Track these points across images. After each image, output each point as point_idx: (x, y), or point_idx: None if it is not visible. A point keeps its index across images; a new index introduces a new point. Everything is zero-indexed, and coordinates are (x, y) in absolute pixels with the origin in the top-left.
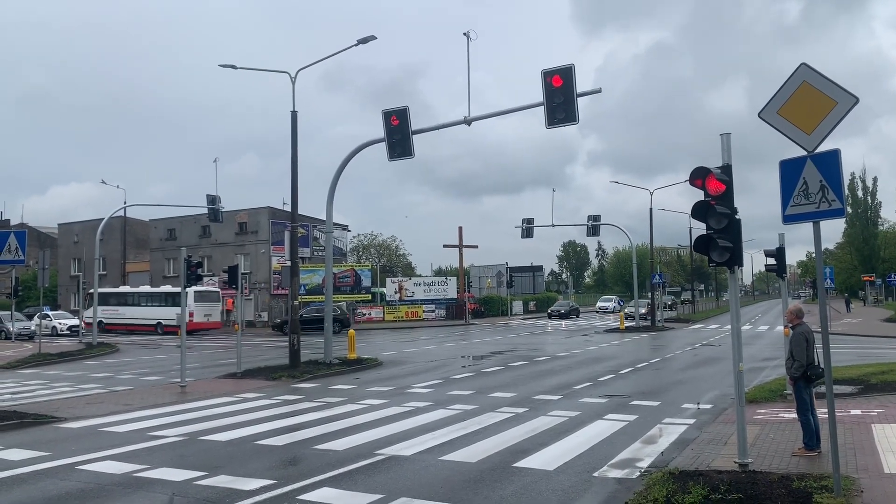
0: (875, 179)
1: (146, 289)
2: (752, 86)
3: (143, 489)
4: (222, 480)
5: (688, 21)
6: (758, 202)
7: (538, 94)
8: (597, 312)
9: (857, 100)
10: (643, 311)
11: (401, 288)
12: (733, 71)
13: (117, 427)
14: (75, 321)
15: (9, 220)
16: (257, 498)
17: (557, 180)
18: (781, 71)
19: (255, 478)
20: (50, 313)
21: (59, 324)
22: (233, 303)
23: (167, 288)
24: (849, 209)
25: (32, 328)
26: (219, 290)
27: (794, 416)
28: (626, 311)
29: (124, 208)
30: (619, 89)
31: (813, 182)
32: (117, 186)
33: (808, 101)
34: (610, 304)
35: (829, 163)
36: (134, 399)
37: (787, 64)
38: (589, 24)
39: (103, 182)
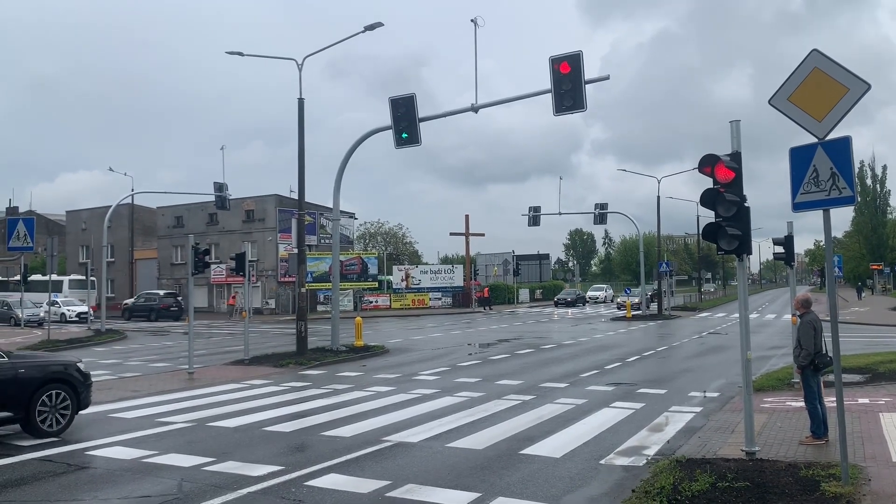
0: (884, 168)
1: (37, 277)
2: (756, 74)
3: (152, 475)
4: (230, 466)
5: (692, 9)
6: (764, 190)
7: (543, 83)
8: (586, 302)
9: (868, 86)
10: (636, 300)
11: (407, 276)
12: (738, 59)
13: (126, 413)
14: (84, 308)
15: (17, 208)
16: (265, 484)
17: (563, 169)
18: (786, 59)
19: (263, 464)
20: (59, 300)
21: (68, 310)
22: (235, 299)
23: (54, 277)
24: (857, 197)
25: (41, 315)
26: (94, 279)
27: (802, 404)
28: (631, 299)
29: (132, 195)
30: (624, 78)
31: (823, 169)
32: (125, 174)
33: (820, 88)
34: (601, 294)
35: (840, 150)
36: (142, 385)
37: (791, 52)
38: (594, 14)
39: (111, 169)
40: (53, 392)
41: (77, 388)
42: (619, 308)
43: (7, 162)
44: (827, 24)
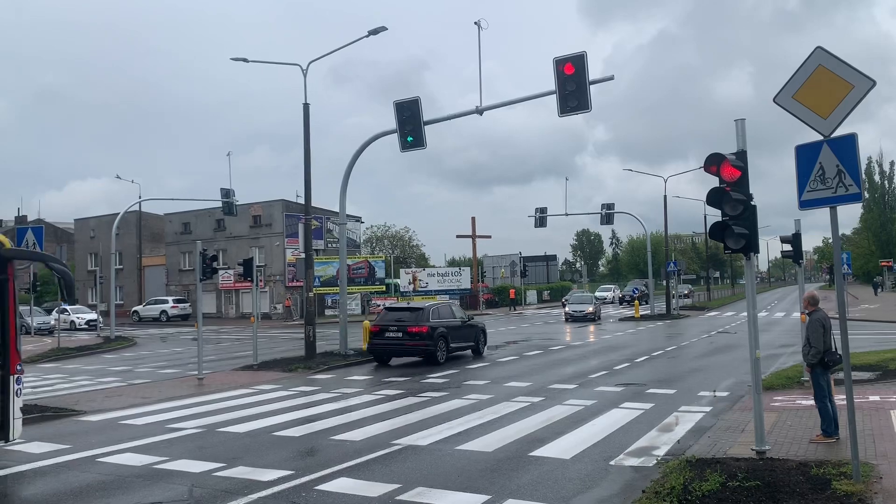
0: (892, 164)
1: None
2: (756, 72)
3: (163, 481)
4: (240, 471)
5: (691, 10)
6: (769, 188)
7: (544, 86)
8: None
9: (873, 83)
10: (585, 308)
11: (415, 279)
12: (738, 58)
13: (136, 420)
14: (93, 315)
15: (26, 216)
16: (275, 488)
17: (567, 170)
18: (785, 57)
19: (273, 469)
20: (68, 308)
21: (77, 318)
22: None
23: None
24: (866, 194)
25: (51, 323)
26: None
27: (812, 402)
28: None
29: (139, 203)
30: (625, 79)
31: (829, 167)
32: (132, 181)
33: (824, 85)
34: (608, 294)
35: (846, 147)
36: (152, 392)
37: (790, 50)
38: (594, 17)
39: (118, 177)
40: (482, 336)
41: (486, 335)
42: (568, 319)
43: (15, 171)
44: (824, 23)
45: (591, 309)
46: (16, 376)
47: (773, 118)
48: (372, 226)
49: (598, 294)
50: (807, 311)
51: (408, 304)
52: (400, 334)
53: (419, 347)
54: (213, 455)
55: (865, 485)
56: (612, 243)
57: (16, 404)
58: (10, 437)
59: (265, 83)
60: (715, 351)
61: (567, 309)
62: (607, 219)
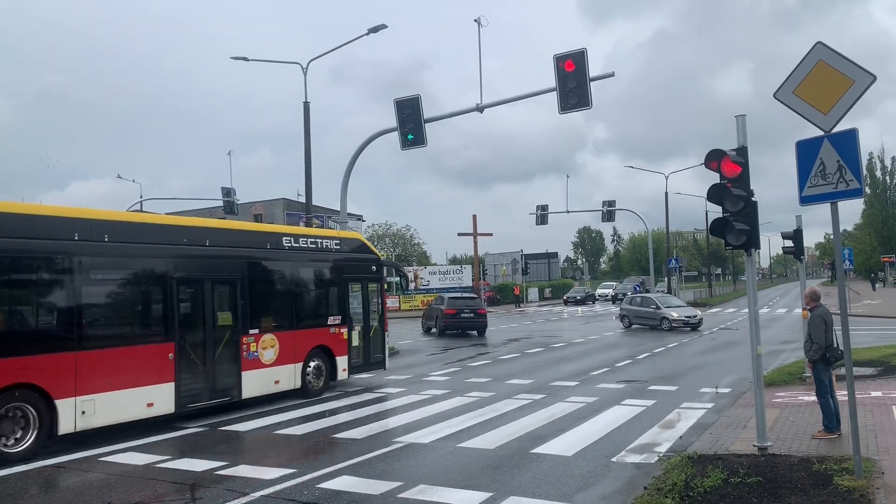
0: (893, 159)
1: None
2: (756, 69)
3: (166, 479)
4: (243, 470)
5: (689, 8)
6: (770, 184)
7: (543, 84)
8: (597, 299)
9: (874, 78)
10: (622, 295)
11: (416, 277)
12: (737, 55)
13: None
14: None
15: None
16: (278, 487)
17: (568, 167)
18: (783, 54)
19: (276, 467)
20: None
21: None
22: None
23: None
24: (867, 189)
25: None
26: None
27: (814, 398)
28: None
29: (140, 203)
30: (625, 76)
31: (830, 162)
32: (133, 181)
33: (825, 81)
34: (609, 291)
35: (847, 142)
36: None
37: (788, 47)
38: (595, 15)
39: (119, 177)
40: None
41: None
42: (669, 328)
43: (18, 172)
44: (822, 20)
45: (700, 314)
46: (386, 332)
47: (773, 114)
48: (373, 224)
49: (599, 291)
50: (808, 307)
51: (462, 294)
52: (472, 315)
53: (482, 323)
54: (216, 453)
55: (867, 480)
56: (613, 240)
57: (386, 348)
58: (386, 367)
59: (266, 83)
60: (716, 347)
61: (672, 314)
62: (609, 216)
